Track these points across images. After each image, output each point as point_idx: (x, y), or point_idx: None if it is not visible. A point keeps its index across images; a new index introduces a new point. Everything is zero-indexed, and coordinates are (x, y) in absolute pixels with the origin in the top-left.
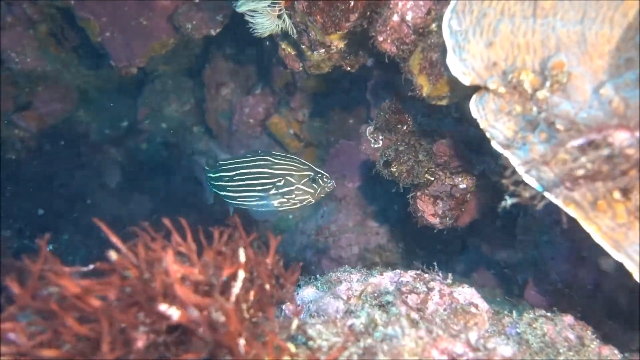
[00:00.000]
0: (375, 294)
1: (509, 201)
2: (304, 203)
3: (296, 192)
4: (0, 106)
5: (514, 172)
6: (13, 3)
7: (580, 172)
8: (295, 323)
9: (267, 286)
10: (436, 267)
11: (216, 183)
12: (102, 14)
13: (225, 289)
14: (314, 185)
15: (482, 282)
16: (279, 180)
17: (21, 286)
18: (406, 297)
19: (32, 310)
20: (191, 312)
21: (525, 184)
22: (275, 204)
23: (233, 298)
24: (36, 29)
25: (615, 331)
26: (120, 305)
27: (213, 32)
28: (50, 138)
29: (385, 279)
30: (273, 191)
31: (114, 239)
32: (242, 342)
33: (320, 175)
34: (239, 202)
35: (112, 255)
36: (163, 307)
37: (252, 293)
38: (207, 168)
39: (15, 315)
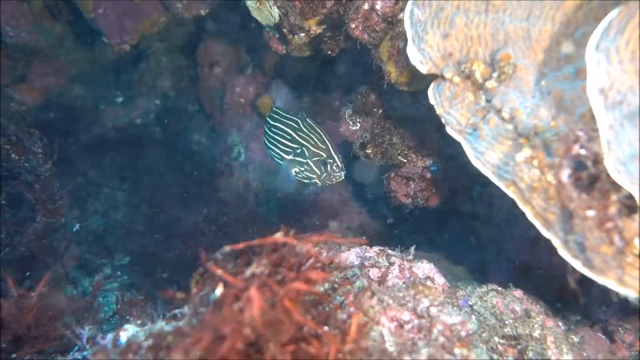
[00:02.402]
0: (342, 268)
1: None
2: (311, 181)
3: (306, 167)
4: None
5: None
6: None
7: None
8: None
9: None
10: (413, 247)
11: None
12: None
13: None
14: (322, 168)
15: (455, 259)
16: (298, 148)
17: None
18: (368, 270)
19: None
20: None
21: None
22: (292, 171)
23: None
24: (31, 4)
25: (566, 308)
26: None
27: (203, 12)
28: (45, 111)
29: (352, 254)
30: (291, 156)
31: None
32: None
33: (331, 161)
34: (274, 155)
35: None
36: None
37: None
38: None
39: None
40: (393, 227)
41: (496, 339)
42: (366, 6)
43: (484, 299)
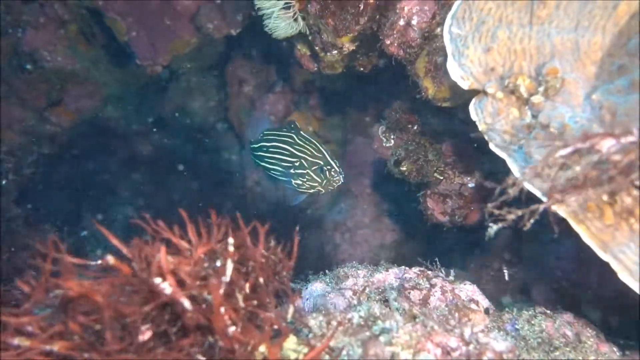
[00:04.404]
0: (380, 290)
1: (494, 228)
2: (314, 190)
3: (307, 177)
4: (31, 103)
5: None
6: (45, 4)
7: (570, 179)
8: (291, 310)
9: (261, 279)
10: (437, 263)
11: (258, 153)
12: (128, 14)
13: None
14: (321, 175)
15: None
16: (297, 161)
17: (33, 283)
18: (409, 293)
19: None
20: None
21: (510, 207)
22: (294, 183)
23: (222, 286)
24: (67, 29)
25: (621, 329)
26: (122, 299)
27: (233, 32)
28: (80, 133)
29: (390, 275)
30: (292, 170)
31: (114, 241)
32: (232, 328)
33: (329, 167)
34: (276, 174)
35: (110, 259)
36: (157, 281)
37: (247, 285)
38: (251, 140)
39: (31, 310)
40: (428, 246)
41: None
42: (402, 22)
43: (532, 322)
